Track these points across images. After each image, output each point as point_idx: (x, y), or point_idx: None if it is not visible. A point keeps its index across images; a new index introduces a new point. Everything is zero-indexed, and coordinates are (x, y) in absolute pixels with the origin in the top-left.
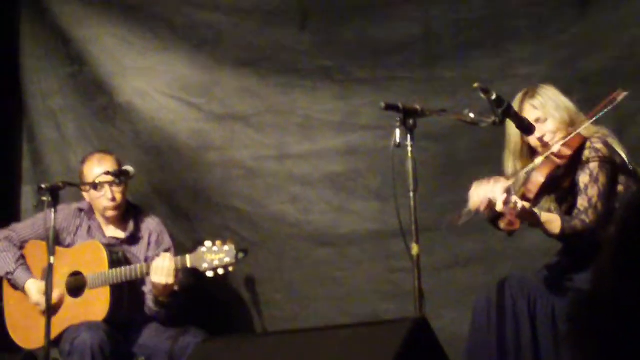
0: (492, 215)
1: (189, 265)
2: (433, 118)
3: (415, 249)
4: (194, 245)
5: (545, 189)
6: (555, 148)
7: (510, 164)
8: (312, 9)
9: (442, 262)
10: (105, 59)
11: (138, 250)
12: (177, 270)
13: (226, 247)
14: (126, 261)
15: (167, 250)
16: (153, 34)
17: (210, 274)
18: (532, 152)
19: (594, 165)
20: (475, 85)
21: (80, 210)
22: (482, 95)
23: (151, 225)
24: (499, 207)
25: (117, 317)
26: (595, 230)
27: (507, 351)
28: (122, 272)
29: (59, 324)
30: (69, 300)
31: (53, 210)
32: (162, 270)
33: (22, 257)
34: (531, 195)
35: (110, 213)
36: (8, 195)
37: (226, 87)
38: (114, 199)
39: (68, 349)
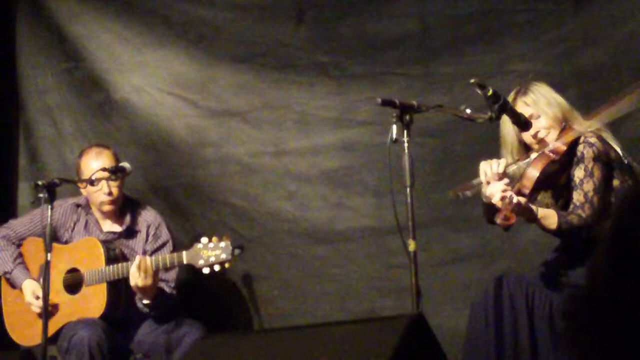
0: (488, 210)
1: (185, 262)
2: (429, 114)
3: (412, 245)
4: (190, 241)
5: (541, 185)
6: (550, 144)
7: (506, 160)
8: (308, 4)
9: (439, 259)
10: (102, 55)
11: (136, 244)
12: (154, 271)
13: (222, 244)
14: (123, 258)
15: (164, 243)
16: (149, 30)
17: (206, 270)
18: (527, 150)
19: (588, 160)
20: (472, 80)
21: (77, 205)
22: (478, 90)
23: (148, 218)
24: (496, 202)
25: (114, 314)
26: (592, 224)
27: (505, 347)
28: (119, 269)
29: (56, 321)
30: (66, 297)
31: (50, 206)
32: (138, 273)
33: (20, 255)
34: (526, 191)
35: (107, 207)
36: (5, 192)
37: (222, 83)
38: (110, 194)
39: (65, 346)
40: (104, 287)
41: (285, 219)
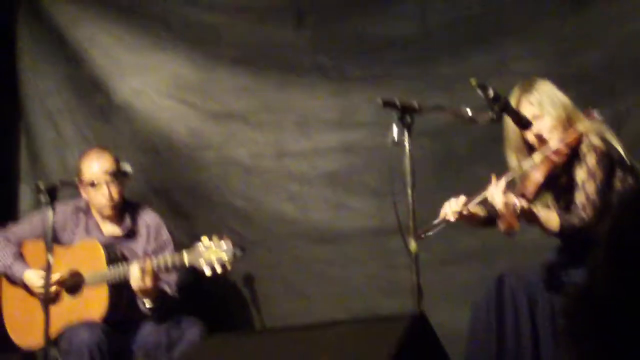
0: (475, 221)
1: (186, 262)
2: (430, 115)
3: (413, 245)
4: (191, 243)
5: (544, 187)
6: (552, 145)
7: (511, 159)
8: (308, 6)
9: (441, 258)
10: (102, 59)
11: (137, 246)
12: (155, 272)
13: (223, 244)
14: (124, 259)
15: (165, 244)
16: (150, 33)
17: (207, 270)
18: (530, 149)
19: (591, 161)
20: (472, 81)
21: (78, 208)
22: (479, 91)
23: (148, 219)
24: (500, 208)
25: (115, 316)
26: (594, 225)
27: (507, 347)
28: (120, 270)
29: (58, 322)
30: (67, 299)
31: (51, 209)
32: (139, 274)
33: (20, 254)
34: (530, 195)
35: (107, 211)
36: (6, 195)
37: (223, 85)
38: (111, 197)
39: (66, 348)
40: (105, 288)
41: (287, 220)
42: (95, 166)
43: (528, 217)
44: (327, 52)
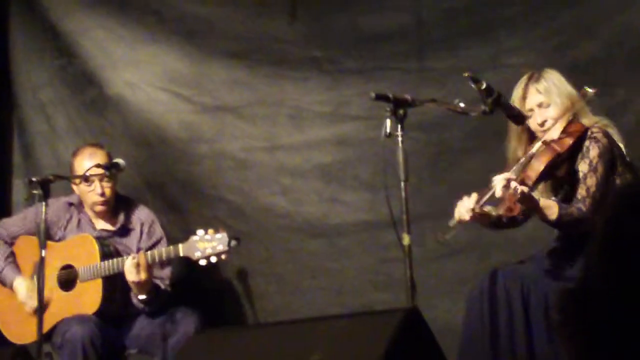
0: (487, 220)
1: (181, 254)
2: (423, 108)
3: (406, 239)
4: (185, 237)
5: (544, 176)
6: (555, 135)
7: (511, 148)
8: None
9: (434, 252)
10: (95, 52)
11: (130, 242)
12: (149, 266)
13: (218, 235)
14: (117, 254)
15: (158, 240)
16: (142, 26)
17: (203, 262)
18: (532, 136)
19: (593, 155)
20: (466, 74)
21: (70, 204)
22: (472, 84)
23: (142, 215)
24: (498, 192)
25: (109, 310)
26: (592, 219)
27: (501, 341)
28: (114, 264)
29: (51, 317)
30: (60, 293)
31: (44, 203)
32: (134, 268)
33: (12, 254)
34: (530, 182)
35: (99, 208)
36: None
37: (216, 78)
38: (103, 194)
39: (59, 342)
40: (98, 283)
41: (280, 214)
42: (88, 163)
43: (527, 202)
44: (321, 45)
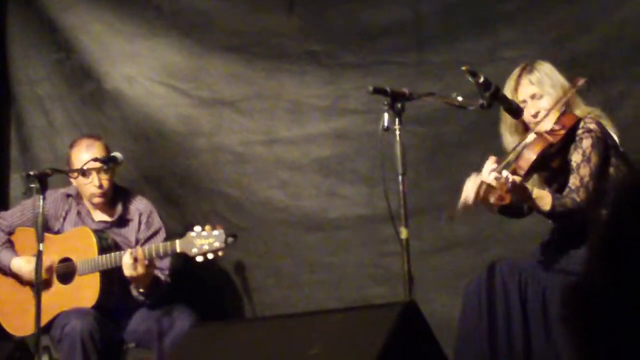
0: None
1: (178, 250)
2: (421, 102)
3: (404, 233)
4: (183, 230)
5: (536, 167)
6: (548, 126)
7: (506, 138)
8: None
9: (432, 246)
10: (93, 46)
11: (128, 233)
12: (149, 260)
13: (215, 232)
14: (116, 247)
15: (157, 231)
16: (141, 20)
17: (199, 258)
18: (525, 129)
19: (586, 145)
20: (464, 68)
21: (68, 195)
22: (470, 78)
23: (140, 206)
24: (490, 180)
25: (107, 304)
26: (585, 210)
27: (498, 335)
28: (112, 258)
29: (49, 310)
30: (59, 286)
31: (41, 197)
32: (132, 263)
33: (10, 241)
34: (522, 172)
35: (97, 200)
36: None
37: (214, 72)
38: (101, 186)
39: (58, 335)
40: (97, 276)
41: (278, 207)
42: (85, 156)
43: (519, 192)
44: (319, 39)
